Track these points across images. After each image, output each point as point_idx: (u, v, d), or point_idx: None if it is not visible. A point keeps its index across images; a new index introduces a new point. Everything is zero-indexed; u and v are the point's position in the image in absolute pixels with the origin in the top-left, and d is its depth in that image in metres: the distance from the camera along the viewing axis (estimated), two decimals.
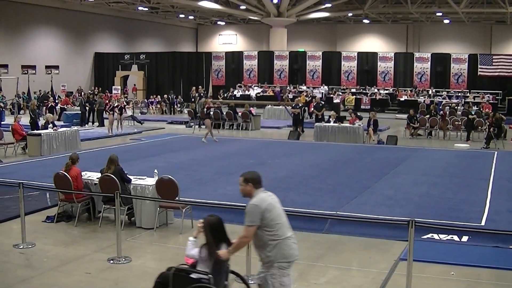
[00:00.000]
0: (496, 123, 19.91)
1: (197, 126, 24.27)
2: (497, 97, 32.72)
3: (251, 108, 25.40)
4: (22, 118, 19.47)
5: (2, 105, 26.99)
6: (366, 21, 46.10)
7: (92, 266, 7.43)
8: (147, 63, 40.68)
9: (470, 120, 21.52)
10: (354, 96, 34.29)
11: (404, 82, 36.42)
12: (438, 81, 35.41)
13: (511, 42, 43.28)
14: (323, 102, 26.67)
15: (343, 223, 8.98)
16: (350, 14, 43.35)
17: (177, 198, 8.95)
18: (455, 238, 8.47)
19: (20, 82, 30.33)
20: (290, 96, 33.79)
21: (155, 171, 9.66)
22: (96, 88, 36.97)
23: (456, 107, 27.07)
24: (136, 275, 7.14)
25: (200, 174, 13.41)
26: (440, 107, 26.36)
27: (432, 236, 8.49)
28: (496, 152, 17.70)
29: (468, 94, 33.31)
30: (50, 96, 31.46)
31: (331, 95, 33.20)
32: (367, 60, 37.48)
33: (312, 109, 25.66)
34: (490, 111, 24.23)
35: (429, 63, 35.81)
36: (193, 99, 30.79)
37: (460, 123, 22.05)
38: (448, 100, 31.76)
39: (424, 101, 31.40)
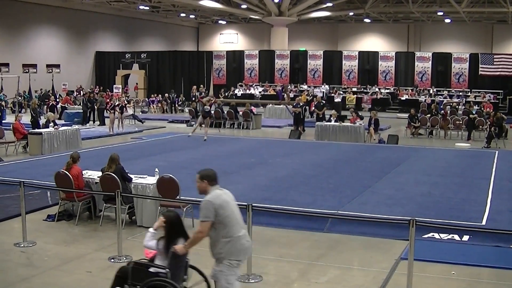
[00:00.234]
0: (497, 122, 19.89)
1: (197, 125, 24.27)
2: (498, 97, 32.70)
3: (252, 107, 25.40)
4: (23, 117, 19.49)
5: (3, 103, 27.00)
6: (367, 20, 46.08)
7: (93, 265, 7.43)
8: (148, 62, 40.68)
9: (471, 120, 21.50)
10: (355, 95, 34.31)
11: (405, 82, 36.41)
12: (439, 80, 35.40)
13: None
14: (324, 101, 26.66)
15: (344, 222, 8.97)
16: (351, 13, 43.33)
17: (178, 197, 8.96)
18: (456, 237, 8.47)
19: (21, 81, 30.33)
20: (291, 95, 33.78)
21: (156, 170, 9.66)
22: (97, 87, 37.02)
23: (457, 107, 27.06)
24: None
25: None
26: (441, 107, 26.34)
27: (433, 235, 8.49)
28: (497, 152, 17.69)
29: (469, 94, 33.29)
30: (51, 95, 31.47)
31: (332, 94, 33.19)
32: (368, 59, 37.48)
33: (313, 108, 25.65)
34: (491, 111, 24.19)
35: (430, 62, 35.80)
36: (193, 98, 30.79)
37: (461, 122, 22.04)
38: (449, 99, 31.73)
39: (425, 100, 31.40)
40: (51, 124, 17.61)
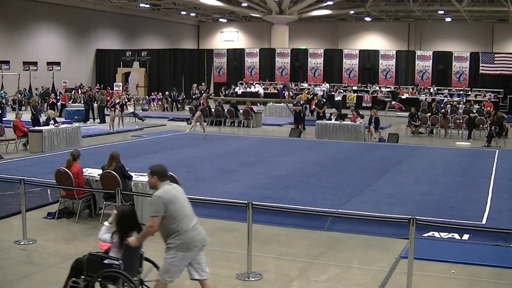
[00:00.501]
0: (498, 121, 19.89)
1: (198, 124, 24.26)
2: (498, 96, 32.70)
3: (252, 106, 25.39)
4: (23, 115, 19.46)
5: (3, 101, 26.99)
6: (367, 19, 46.04)
7: None
8: (149, 60, 40.67)
9: (471, 119, 21.49)
10: (355, 94, 34.28)
11: (405, 80, 36.39)
12: (440, 79, 35.38)
13: None
14: (324, 100, 26.66)
15: (344, 221, 8.97)
16: (351, 12, 43.35)
17: None
18: (456, 236, 8.47)
19: (21, 79, 30.34)
20: (291, 93, 33.75)
21: None
22: (98, 85, 37.01)
23: (457, 105, 27.06)
24: None
25: (201, 171, 13.42)
26: (442, 105, 26.34)
27: (433, 234, 8.49)
28: (497, 151, 17.68)
29: (469, 92, 33.28)
30: (51, 92, 31.46)
31: (333, 93, 33.18)
32: (369, 58, 37.47)
33: (314, 106, 25.66)
34: (492, 110, 24.20)
35: (431, 61, 35.78)
36: (193, 96, 30.79)
37: (461, 121, 22.02)
38: (449, 98, 31.73)
39: (425, 99, 31.38)
40: (52, 121, 17.60)
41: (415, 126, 22.14)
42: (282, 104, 30.22)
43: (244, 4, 40.02)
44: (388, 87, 35.70)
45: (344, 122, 20.96)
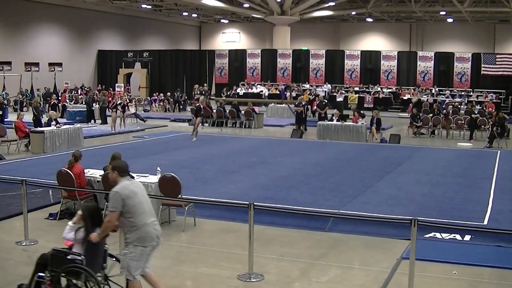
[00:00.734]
0: (499, 122, 19.87)
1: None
2: (500, 96, 32.63)
3: (254, 107, 25.39)
4: (25, 115, 19.50)
5: (5, 102, 27.02)
6: (369, 19, 46.05)
7: None
8: (150, 61, 40.66)
9: (473, 119, 21.48)
10: (357, 95, 34.27)
11: (407, 81, 36.37)
12: (441, 80, 35.35)
13: None
14: (326, 101, 26.64)
15: (345, 222, 8.97)
16: (353, 13, 43.32)
17: (179, 195, 8.96)
18: (458, 237, 8.46)
19: (23, 80, 30.36)
20: (294, 94, 33.79)
21: (158, 168, 9.66)
22: (99, 85, 37.01)
23: (459, 106, 27.03)
24: None
25: (203, 172, 13.42)
26: (443, 106, 26.32)
27: (435, 235, 8.48)
28: (499, 151, 17.66)
29: (471, 93, 33.23)
30: (53, 93, 31.47)
31: (334, 94, 33.19)
32: (370, 59, 37.45)
33: (315, 107, 25.65)
34: (493, 110, 24.17)
35: (433, 62, 35.74)
36: (195, 97, 30.79)
37: (463, 122, 22.02)
38: (451, 99, 31.71)
39: (427, 100, 31.35)
40: (53, 122, 17.64)
41: (416, 127, 22.13)
42: (284, 105, 30.23)
43: (246, 5, 40.03)
44: (389, 88, 35.71)
45: (346, 123, 20.95)
